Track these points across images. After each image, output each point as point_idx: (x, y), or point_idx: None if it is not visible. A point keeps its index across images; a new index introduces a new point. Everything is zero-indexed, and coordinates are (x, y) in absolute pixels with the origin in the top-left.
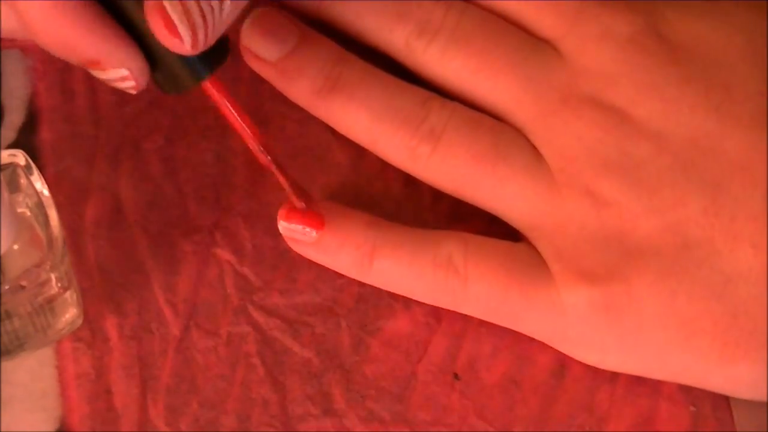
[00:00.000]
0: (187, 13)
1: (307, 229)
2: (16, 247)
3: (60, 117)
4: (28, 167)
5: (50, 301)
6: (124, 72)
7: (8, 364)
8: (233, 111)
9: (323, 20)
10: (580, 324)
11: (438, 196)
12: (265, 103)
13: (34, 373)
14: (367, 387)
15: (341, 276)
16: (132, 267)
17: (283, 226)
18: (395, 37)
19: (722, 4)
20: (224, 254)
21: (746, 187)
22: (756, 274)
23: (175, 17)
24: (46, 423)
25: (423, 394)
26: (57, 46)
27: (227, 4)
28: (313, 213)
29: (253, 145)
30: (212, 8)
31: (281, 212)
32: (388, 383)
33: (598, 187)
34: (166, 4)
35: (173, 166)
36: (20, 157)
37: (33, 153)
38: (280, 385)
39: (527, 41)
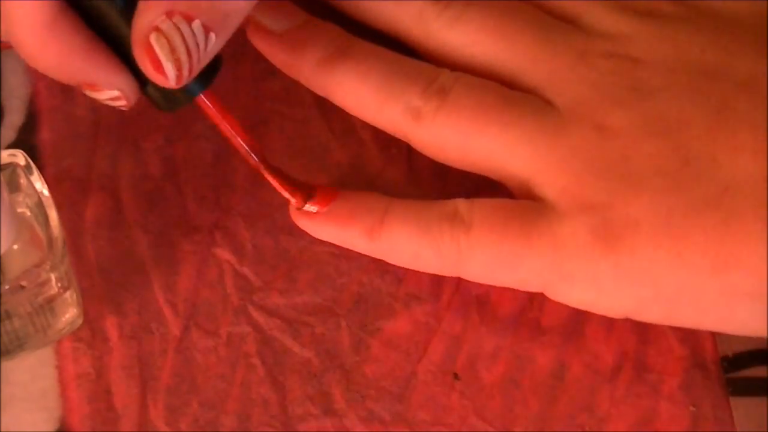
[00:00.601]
0: (173, 51)
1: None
2: (16, 247)
3: (60, 117)
4: (28, 167)
5: (50, 301)
6: (116, 93)
7: (8, 364)
8: (224, 121)
9: (331, 1)
10: (578, 256)
11: (441, 196)
12: (265, 103)
13: (34, 373)
14: (367, 387)
15: (341, 276)
16: (132, 267)
17: (296, 208)
18: (408, 6)
19: None
20: (224, 254)
21: (751, 102)
22: (754, 180)
23: (162, 56)
24: (46, 423)
25: (423, 394)
26: (53, 70)
27: (212, 38)
28: (326, 188)
29: (245, 152)
30: (197, 45)
31: (295, 196)
32: (388, 383)
33: (607, 120)
34: (153, 41)
35: (173, 166)
36: (20, 157)
37: (33, 153)
38: (280, 385)
39: (543, 15)
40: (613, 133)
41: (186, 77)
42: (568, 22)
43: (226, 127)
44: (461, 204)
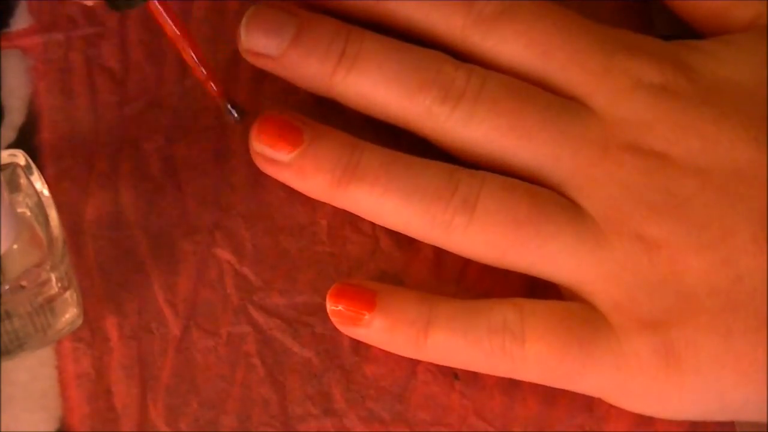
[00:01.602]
0: None
1: (362, 312)
2: (16, 247)
3: (60, 117)
4: (28, 167)
5: (50, 301)
6: None
7: (8, 364)
8: (175, 28)
9: (338, 97)
10: (641, 374)
11: None
12: (265, 103)
13: (34, 373)
14: (367, 387)
15: (341, 276)
16: (132, 267)
17: (331, 308)
18: (416, 104)
19: (737, 40)
20: (224, 254)
21: None
22: None
23: None
24: (46, 423)
25: (423, 394)
26: None
27: None
28: (363, 293)
29: (194, 63)
30: None
31: (331, 293)
32: (388, 383)
33: (647, 230)
34: None
35: (173, 166)
36: (20, 157)
37: (33, 153)
38: (280, 385)
39: (555, 100)
40: (656, 245)
41: None
42: (580, 103)
43: (176, 35)
44: (509, 313)
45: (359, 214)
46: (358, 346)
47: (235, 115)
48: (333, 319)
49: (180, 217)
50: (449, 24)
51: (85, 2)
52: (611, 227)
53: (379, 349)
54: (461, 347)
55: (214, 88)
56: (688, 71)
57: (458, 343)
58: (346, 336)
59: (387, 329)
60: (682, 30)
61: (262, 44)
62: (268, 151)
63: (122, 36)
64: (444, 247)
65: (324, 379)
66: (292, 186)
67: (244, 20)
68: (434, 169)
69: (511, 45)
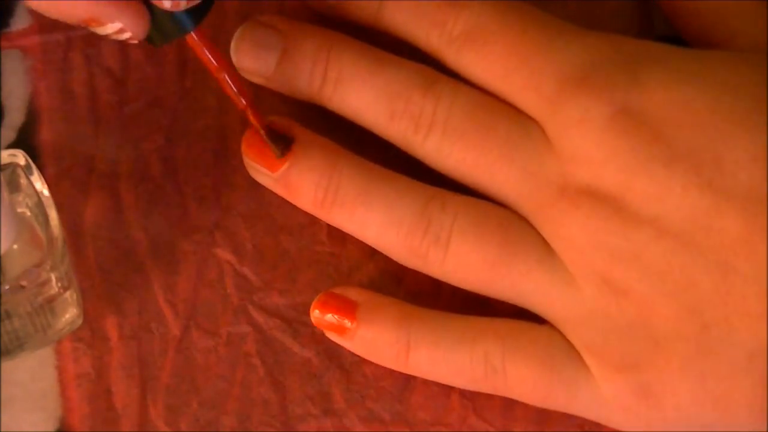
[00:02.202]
0: None
1: (344, 320)
2: (15, 247)
3: (60, 117)
4: (28, 167)
5: (50, 301)
6: (120, 25)
7: (8, 364)
8: (214, 59)
9: (330, 109)
10: (624, 411)
11: None
12: (264, 103)
13: (34, 373)
14: (367, 387)
15: (341, 275)
16: (132, 267)
17: (316, 316)
18: (393, 132)
19: (709, 59)
20: (224, 254)
21: (751, 263)
22: None
23: None
24: (46, 423)
25: (423, 394)
26: (55, 10)
27: None
28: (346, 303)
29: (234, 94)
30: None
31: (316, 303)
32: (388, 383)
33: (611, 275)
34: None
35: (173, 166)
36: (20, 157)
37: (33, 153)
38: (280, 385)
39: (517, 125)
40: (622, 291)
41: (183, 4)
42: (539, 130)
43: (215, 68)
44: (491, 345)
45: (349, 233)
46: None
47: (278, 149)
48: (319, 325)
49: (180, 217)
50: (428, 41)
51: (131, 41)
52: (577, 269)
53: None
54: (442, 371)
55: (254, 119)
56: (643, 96)
57: (439, 368)
58: None
59: (369, 343)
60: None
61: (253, 66)
62: (256, 167)
63: None
64: (428, 274)
65: (324, 379)
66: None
67: (233, 42)
68: (409, 198)
69: (475, 68)
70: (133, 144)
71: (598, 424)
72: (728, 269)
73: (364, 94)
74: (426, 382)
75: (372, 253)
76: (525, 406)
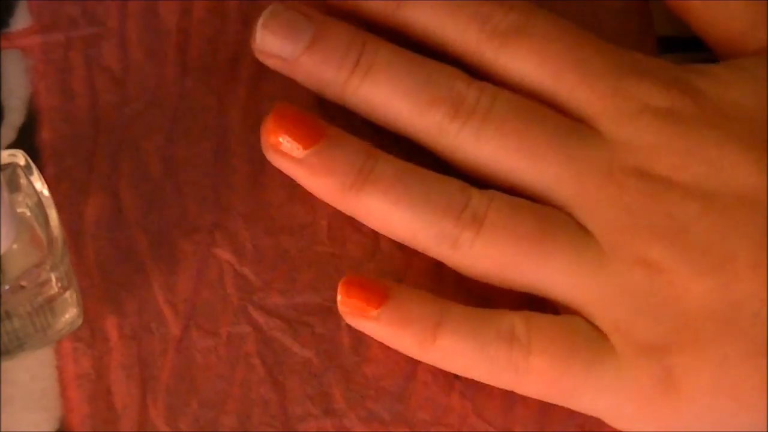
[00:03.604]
0: None
1: (372, 300)
2: (15, 247)
3: (60, 117)
4: (28, 167)
5: (50, 301)
6: None
7: (8, 364)
8: None
9: (350, 106)
10: (639, 398)
11: None
12: (265, 103)
13: (34, 373)
14: (367, 387)
15: (341, 276)
16: (132, 267)
17: (342, 297)
18: (427, 120)
19: (743, 64)
20: (224, 254)
21: None
22: None
23: None
24: (46, 423)
25: (423, 394)
26: None
27: None
28: (375, 287)
29: None
30: None
31: (343, 282)
32: (388, 383)
33: (648, 254)
34: None
35: (173, 166)
36: (20, 157)
37: (33, 153)
38: (280, 385)
39: (563, 121)
40: (657, 269)
41: None
42: (587, 126)
43: None
44: (518, 323)
45: (365, 222)
46: (358, 346)
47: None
48: (342, 308)
49: (180, 217)
50: (464, 38)
51: None
52: (613, 249)
53: (380, 350)
54: (467, 351)
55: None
56: (696, 95)
57: (465, 346)
58: (346, 336)
59: (396, 324)
60: (683, 30)
61: (277, 47)
62: (284, 144)
63: (122, 36)
64: (447, 262)
65: (324, 379)
66: (301, 184)
67: (260, 20)
68: (446, 183)
69: (523, 63)
70: (133, 144)
71: (599, 424)
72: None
73: (399, 81)
74: (426, 382)
75: (372, 252)
76: (525, 406)
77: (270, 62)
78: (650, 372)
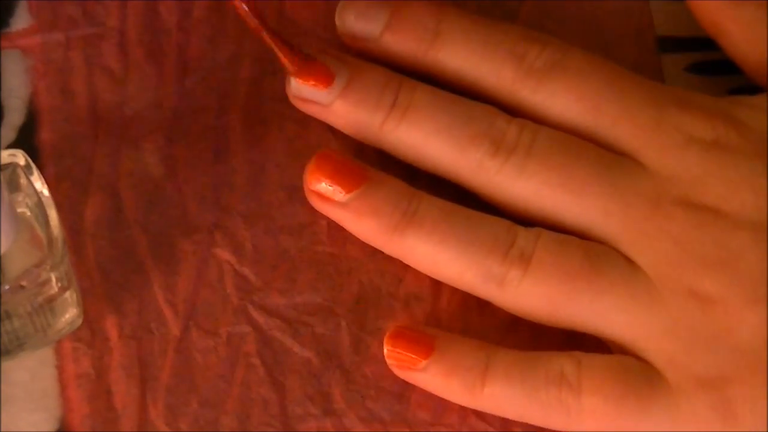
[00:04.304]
0: None
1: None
2: (15, 247)
3: (60, 117)
4: (28, 167)
5: (50, 301)
6: None
7: (8, 364)
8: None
9: (388, 148)
10: (697, 430)
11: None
12: (265, 103)
13: (34, 373)
14: (367, 387)
15: (341, 276)
16: (132, 267)
17: (388, 350)
18: (468, 157)
19: None
20: (224, 254)
21: None
22: None
23: None
24: (46, 423)
25: (423, 394)
26: None
27: None
28: (422, 338)
29: (244, 13)
30: None
31: (389, 335)
32: (388, 383)
33: (701, 285)
34: None
35: (173, 166)
36: (20, 157)
37: (33, 153)
38: (280, 385)
39: (606, 154)
40: (710, 300)
41: None
42: (631, 159)
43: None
44: (567, 365)
45: (411, 263)
46: (358, 346)
47: (294, 55)
48: (389, 361)
49: (180, 217)
50: (499, 76)
51: None
52: (664, 282)
53: (379, 349)
54: (517, 397)
55: (266, 38)
56: (739, 125)
57: (515, 392)
58: (346, 336)
59: (444, 374)
60: (683, 30)
61: (312, 92)
62: (324, 189)
63: (122, 36)
64: (494, 302)
65: (324, 379)
66: (346, 228)
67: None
68: (491, 222)
69: (561, 99)
70: (133, 144)
71: None
72: None
73: (438, 120)
74: None
75: (372, 252)
76: None
77: (306, 108)
78: (709, 404)
